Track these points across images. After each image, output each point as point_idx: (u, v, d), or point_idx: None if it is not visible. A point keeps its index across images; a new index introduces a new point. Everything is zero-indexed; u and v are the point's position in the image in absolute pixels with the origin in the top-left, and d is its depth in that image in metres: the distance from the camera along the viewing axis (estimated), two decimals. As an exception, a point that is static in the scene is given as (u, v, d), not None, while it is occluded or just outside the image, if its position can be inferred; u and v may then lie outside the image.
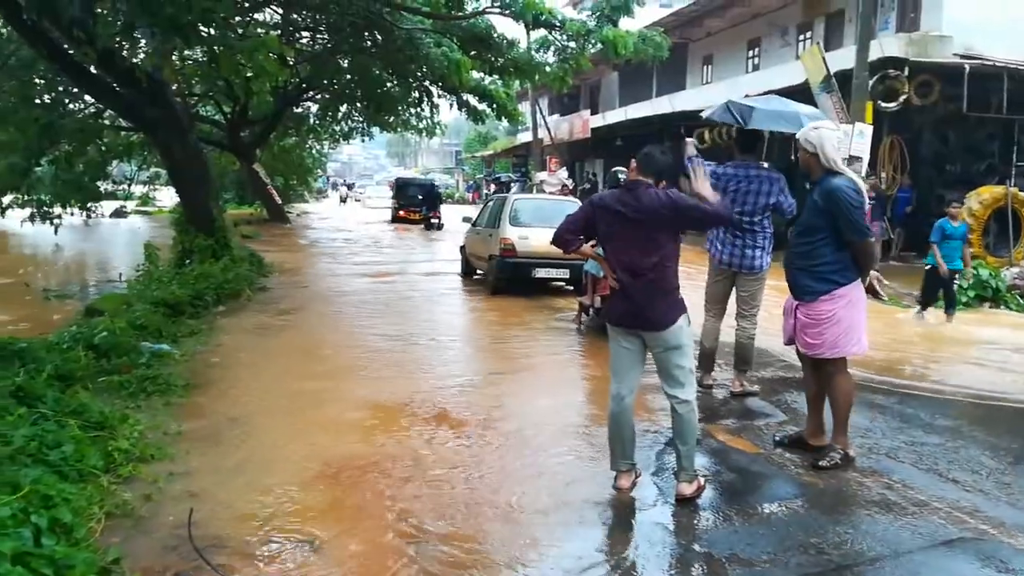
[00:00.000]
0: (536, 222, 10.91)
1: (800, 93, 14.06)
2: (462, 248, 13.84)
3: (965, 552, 3.47)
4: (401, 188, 29.49)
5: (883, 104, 13.27)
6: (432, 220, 26.35)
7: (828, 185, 4.29)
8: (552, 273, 11.02)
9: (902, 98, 13.42)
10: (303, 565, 3.25)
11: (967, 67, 13.49)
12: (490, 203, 13.27)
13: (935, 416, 5.60)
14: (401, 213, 27.86)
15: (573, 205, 11.11)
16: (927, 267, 9.70)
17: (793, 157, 4.79)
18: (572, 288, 11.14)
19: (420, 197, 27.76)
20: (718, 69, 25.65)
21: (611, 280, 3.97)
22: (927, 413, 5.66)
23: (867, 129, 11.80)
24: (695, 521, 3.76)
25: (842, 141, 11.69)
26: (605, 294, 7.94)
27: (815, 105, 13.28)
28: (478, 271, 12.86)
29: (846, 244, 4.29)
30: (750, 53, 24.10)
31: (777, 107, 6.10)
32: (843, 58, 13.31)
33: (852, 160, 11.83)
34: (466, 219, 14.08)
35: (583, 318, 8.75)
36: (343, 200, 48.70)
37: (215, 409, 5.42)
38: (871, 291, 4.52)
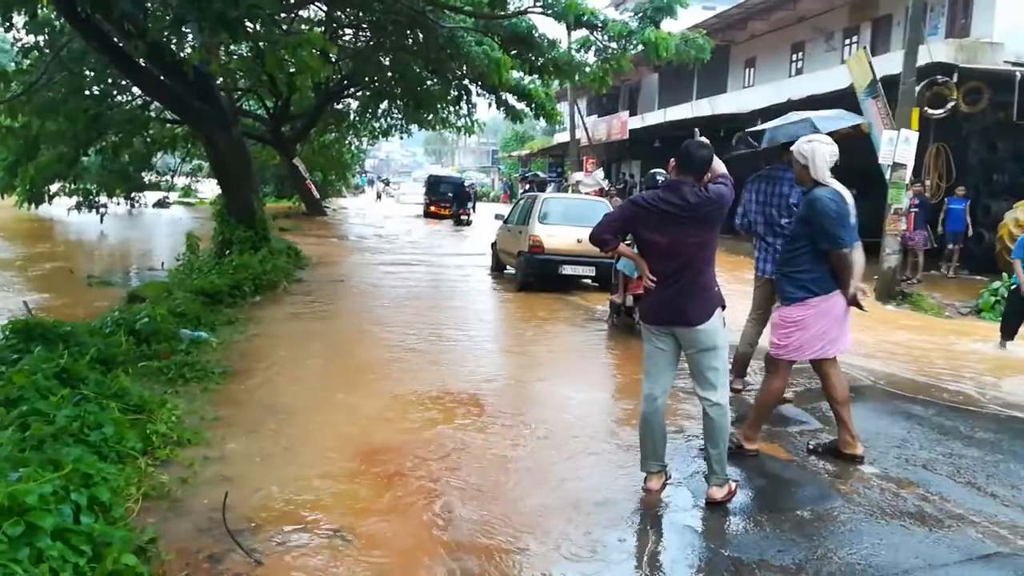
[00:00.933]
0: (565, 221, 11.28)
1: (845, 98, 13.88)
2: (493, 244, 14.04)
3: (1002, 567, 3.39)
4: (432, 185, 30.52)
5: (930, 111, 13.01)
6: (462, 216, 27.16)
7: (810, 195, 4.39)
8: (578, 270, 11.27)
9: (950, 105, 13.14)
10: (334, 553, 3.29)
11: (1018, 74, 13.18)
12: (521, 201, 13.55)
13: (974, 429, 5.48)
14: (432, 208, 28.98)
15: (602, 205, 11.95)
16: (1011, 287, 8.63)
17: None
18: (597, 285, 11.33)
19: (451, 194, 28.80)
20: (760, 72, 25.34)
21: (647, 280, 3.94)
22: (966, 426, 5.54)
23: (912, 136, 11.58)
24: (725, 526, 3.73)
25: (887, 148, 11.51)
26: (637, 293, 7.99)
27: (859, 111, 13.10)
28: (508, 267, 13.03)
29: (825, 254, 4.35)
30: (794, 57, 23.77)
31: (790, 121, 6.02)
32: (890, 63, 13.08)
33: (896, 167, 11.64)
34: (498, 216, 14.28)
35: (614, 317, 8.76)
36: (379, 196, 49.12)
37: (251, 397, 5.51)
38: (854, 302, 4.51)
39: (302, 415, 5.13)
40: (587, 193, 20.51)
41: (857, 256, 4.47)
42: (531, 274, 11.41)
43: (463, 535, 3.50)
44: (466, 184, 31.31)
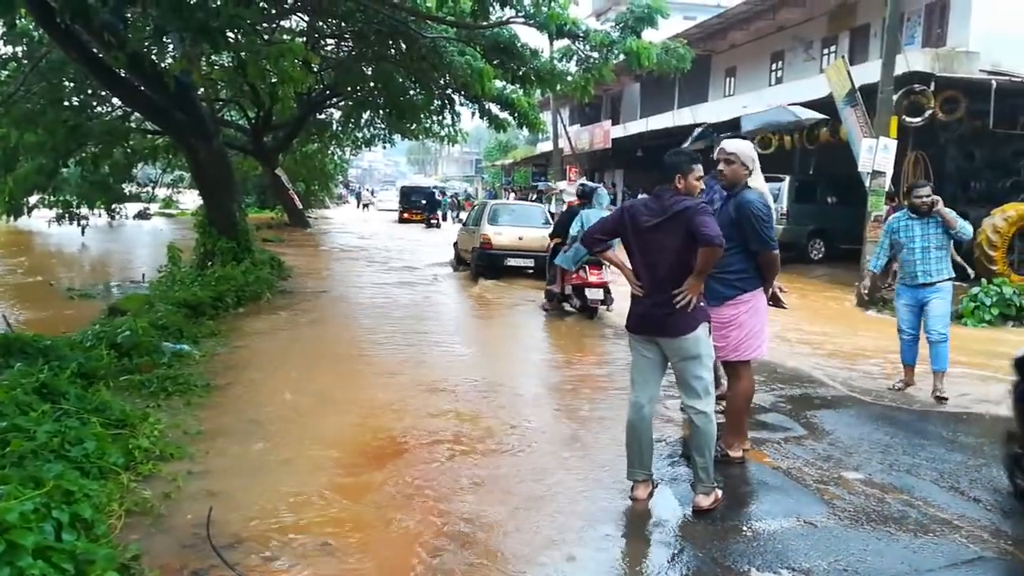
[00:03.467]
0: (509, 223, 13.96)
1: (824, 106, 14.05)
2: (454, 244, 16.18)
3: (986, 572, 3.42)
4: (406, 194, 34.12)
5: (908, 119, 13.16)
6: (432, 220, 30.21)
7: (741, 198, 4.45)
8: (520, 262, 13.51)
9: (927, 113, 13.29)
10: (320, 566, 3.26)
11: (994, 83, 13.35)
12: (476, 207, 15.77)
13: (956, 433, 5.53)
14: (405, 215, 32.28)
15: (539, 209, 15.41)
16: None
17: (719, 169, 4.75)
18: (532, 273, 13.22)
19: (422, 201, 32.02)
20: (741, 82, 25.56)
21: (634, 288, 3.97)
22: (948, 431, 5.59)
23: (891, 144, 11.72)
24: (712, 534, 3.74)
25: (866, 156, 11.65)
26: (577, 283, 9.85)
27: (839, 120, 13.25)
28: (467, 262, 14.88)
29: (754, 254, 4.45)
30: (773, 66, 24.01)
31: (762, 113, 6.10)
32: (868, 72, 13.23)
33: (876, 174, 11.76)
34: (459, 220, 15.70)
35: (549, 303, 10.53)
36: (365, 206, 49.43)
37: (234, 409, 5.47)
38: (774, 300, 4.65)
39: (287, 428, 5.09)
40: (570, 202, 20.95)
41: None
42: (482, 266, 13.66)
43: (448, 546, 3.48)
44: (436, 193, 34.70)
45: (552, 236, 11.00)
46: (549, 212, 17.07)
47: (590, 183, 11.19)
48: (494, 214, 14.20)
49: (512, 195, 38.14)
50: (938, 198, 6.30)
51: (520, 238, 13.50)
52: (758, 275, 4.53)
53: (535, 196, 34.88)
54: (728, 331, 4.54)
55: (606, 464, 4.52)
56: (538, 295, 11.30)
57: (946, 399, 6.25)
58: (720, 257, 4.11)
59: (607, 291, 9.77)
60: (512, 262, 13.46)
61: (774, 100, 17.63)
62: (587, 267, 9.58)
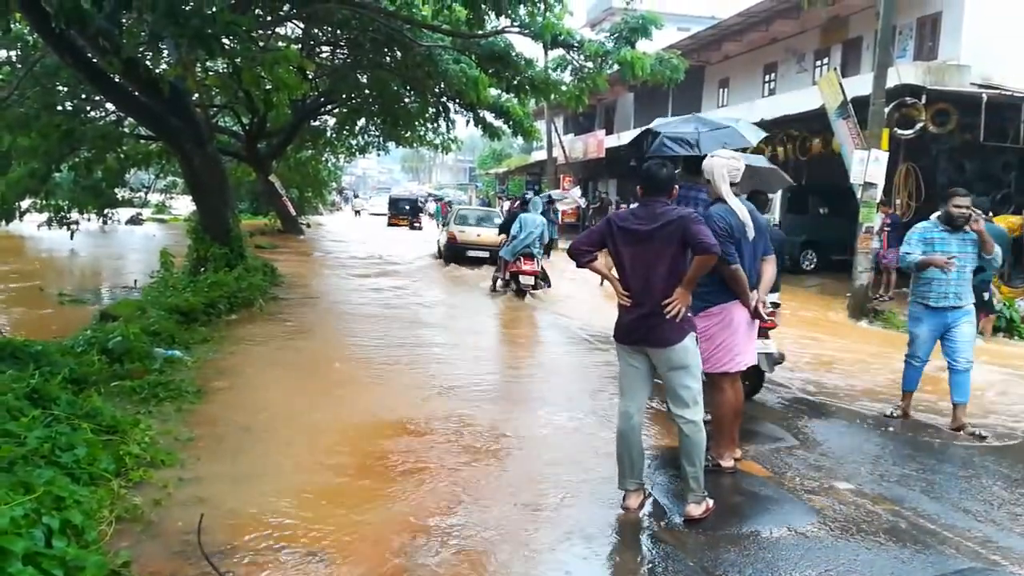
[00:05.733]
0: (471, 223, 18.56)
1: (816, 118, 14.14)
2: (437, 241, 20.50)
3: (976, 583, 3.44)
4: (393, 202, 39.40)
5: (899, 131, 13.26)
6: (415, 224, 35.42)
7: (707, 212, 4.51)
8: (478, 253, 17.54)
9: (918, 126, 13.39)
10: (311, 574, 3.26)
11: (985, 96, 13.46)
12: (450, 212, 21.28)
13: (946, 444, 5.55)
14: (393, 220, 36.76)
15: (495, 213, 20.70)
16: None
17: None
18: (487, 258, 16.66)
19: (407, 207, 37.04)
20: (734, 92, 25.70)
21: (621, 298, 3.98)
22: (939, 441, 5.62)
23: (883, 156, 11.79)
24: (703, 543, 3.74)
25: (858, 167, 11.71)
26: (516, 271, 12.52)
27: (831, 131, 13.33)
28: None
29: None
30: (767, 77, 24.15)
31: (712, 127, 6.15)
32: (860, 84, 13.32)
33: (867, 186, 11.83)
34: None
35: (495, 285, 13.34)
36: (357, 212, 49.76)
37: (226, 416, 5.45)
38: (755, 315, 4.67)
39: (278, 434, 5.08)
40: (563, 211, 25.41)
41: (766, 268, 4.70)
42: (450, 255, 17.94)
43: (435, 554, 3.47)
44: (419, 201, 40.74)
45: (500, 233, 14.04)
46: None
47: (529, 194, 13.65)
48: (459, 217, 19.20)
49: (507, 203, 38.31)
50: (979, 212, 5.80)
51: (478, 235, 17.82)
52: (726, 288, 4.52)
53: (511, 205, 36.16)
54: (699, 343, 4.54)
55: (598, 470, 4.53)
56: (489, 273, 14.29)
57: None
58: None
59: (542, 276, 12.64)
60: (472, 253, 17.68)
61: (768, 112, 17.76)
62: (522, 258, 12.43)
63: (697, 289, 4.38)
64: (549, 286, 12.79)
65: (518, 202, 16.37)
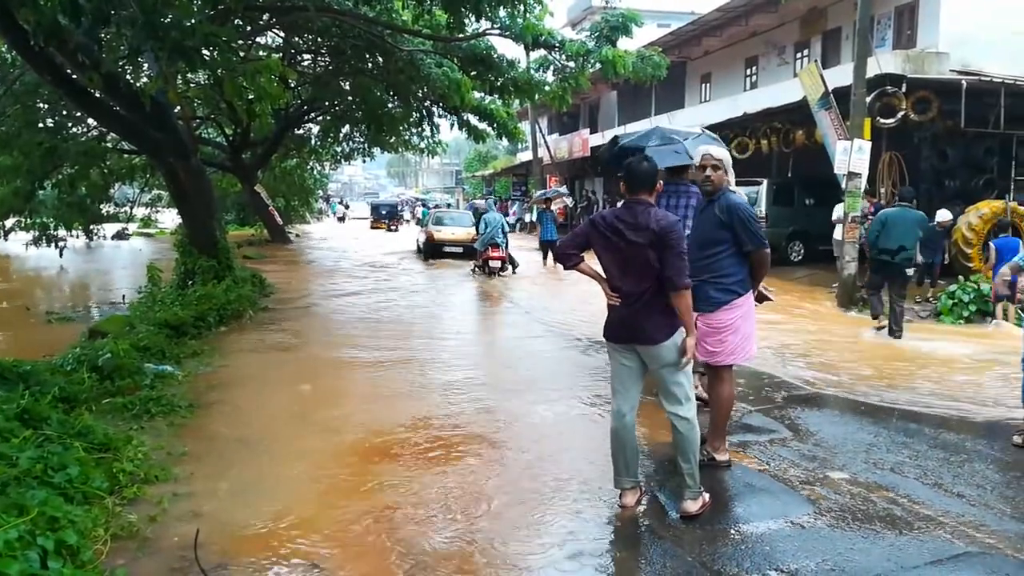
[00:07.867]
0: (446, 224, 21.66)
1: (799, 110, 14.21)
2: (416, 240, 23.68)
3: (971, 567, 3.46)
4: (375, 208, 43.32)
5: (881, 120, 13.33)
6: (392, 227, 38.98)
7: (727, 201, 4.52)
8: (452, 249, 20.23)
9: (900, 114, 13.47)
10: (309, 585, 3.25)
11: (964, 83, 13.56)
12: (429, 214, 25.64)
13: (939, 430, 5.59)
14: (374, 225, 40.28)
15: (467, 216, 23.12)
16: None
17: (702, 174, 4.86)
18: (462, 253, 19.56)
19: (385, 213, 40.91)
20: (716, 87, 25.80)
21: (609, 297, 3.98)
22: (931, 427, 5.66)
23: (866, 145, 11.86)
24: (700, 538, 3.76)
25: (842, 157, 11.78)
26: (486, 258, 16.20)
27: (814, 123, 13.40)
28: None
29: (746, 254, 4.52)
30: (748, 71, 24.26)
31: (664, 143, 6.23)
32: (840, 75, 13.40)
33: (851, 176, 11.90)
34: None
35: (473, 271, 16.84)
36: (342, 219, 50.09)
37: (219, 430, 5.43)
38: (759, 297, 4.75)
39: (271, 447, 5.07)
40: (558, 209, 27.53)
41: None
42: (428, 252, 20.61)
43: (430, 566, 3.47)
44: (397, 207, 45.02)
45: (477, 232, 17.71)
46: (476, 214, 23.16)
47: (480, 202, 16.18)
48: (435, 218, 22.54)
49: (496, 205, 38.54)
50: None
51: (453, 234, 20.69)
52: (749, 276, 4.60)
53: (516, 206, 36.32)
54: (725, 335, 4.55)
55: (593, 465, 4.54)
56: (463, 267, 18.03)
57: None
58: (714, 262, 4.35)
59: (507, 261, 16.55)
60: (448, 249, 20.37)
61: (750, 105, 17.85)
62: (490, 248, 16.18)
63: (725, 281, 4.51)
64: (515, 269, 16.93)
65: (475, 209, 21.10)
